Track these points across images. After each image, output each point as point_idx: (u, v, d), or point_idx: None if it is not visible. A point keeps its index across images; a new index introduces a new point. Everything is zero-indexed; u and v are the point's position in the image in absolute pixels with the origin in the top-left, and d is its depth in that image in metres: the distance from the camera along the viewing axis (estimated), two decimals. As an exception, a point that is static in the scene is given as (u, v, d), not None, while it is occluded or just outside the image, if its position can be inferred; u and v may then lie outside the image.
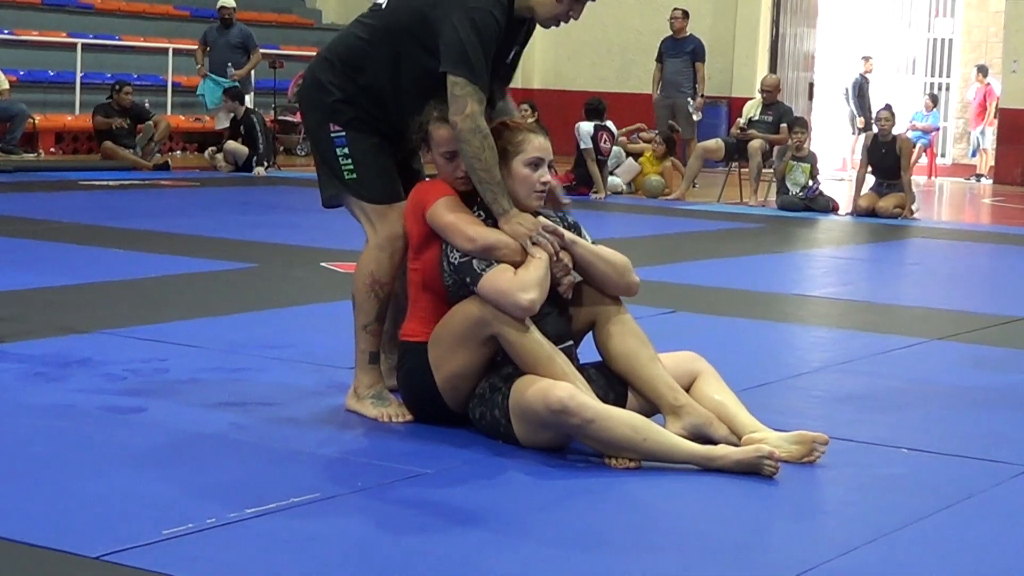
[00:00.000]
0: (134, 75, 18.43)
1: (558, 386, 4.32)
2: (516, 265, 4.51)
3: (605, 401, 4.45)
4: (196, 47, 17.69)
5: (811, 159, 14.57)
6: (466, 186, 4.67)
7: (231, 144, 16.38)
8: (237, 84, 16.95)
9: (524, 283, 4.44)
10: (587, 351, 4.78)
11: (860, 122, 21.17)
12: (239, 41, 17.38)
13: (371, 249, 4.89)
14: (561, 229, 4.61)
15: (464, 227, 4.55)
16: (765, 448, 4.28)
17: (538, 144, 4.65)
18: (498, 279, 4.46)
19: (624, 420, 4.31)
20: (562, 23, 4.87)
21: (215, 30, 17.45)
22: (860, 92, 21.62)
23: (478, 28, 4.65)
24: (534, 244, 4.53)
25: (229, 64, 17.15)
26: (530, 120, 4.87)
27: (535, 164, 4.62)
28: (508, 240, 4.54)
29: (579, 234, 4.74)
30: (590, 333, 4.74)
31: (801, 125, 14.78)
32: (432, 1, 4.74)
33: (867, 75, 21.75)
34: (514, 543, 3.63)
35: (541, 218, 4.63)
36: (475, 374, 4.56)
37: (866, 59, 22.14)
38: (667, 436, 4.35)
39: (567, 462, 4.37)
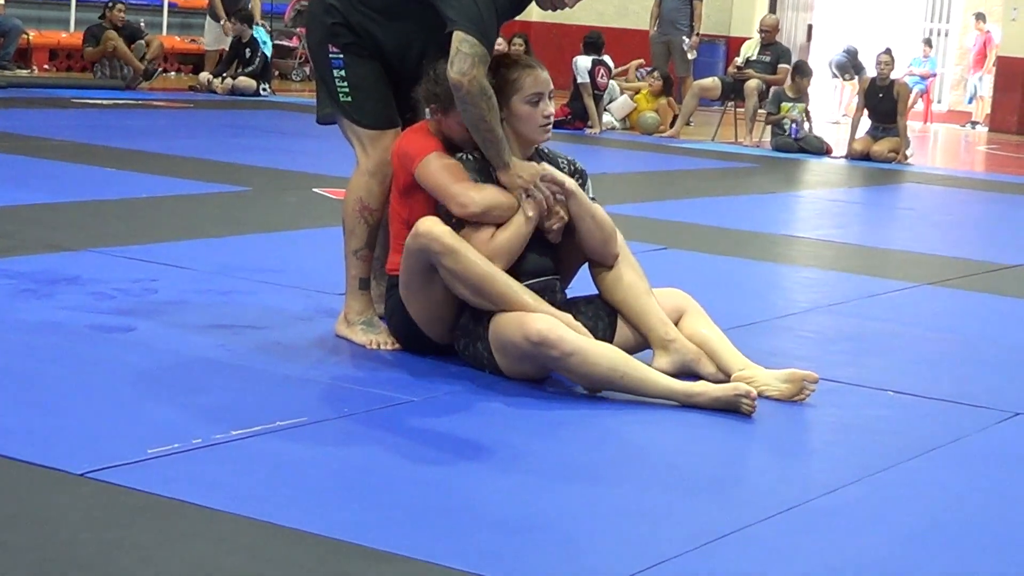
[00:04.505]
0: (130, -7, 18.26)
1: (538, 319, 4.30)
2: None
3: (593, 333, 4.45)
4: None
5: (805, 100, 14.51)
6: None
7: (243, 80, 16.28)
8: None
9: (493, 250, 4.45)
10: (581, 286, 4.78)
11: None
12: None
13: (361, 174, 4.87)
14: (562, 178, 4.58)
15: (455, 191, 4.50)
16: (743, 386, 4.27)
17: (536, 78, 4.59)
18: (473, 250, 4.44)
19: (603, 355, 4.29)
20: (556, 9, 4.93)
21: None
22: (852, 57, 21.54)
23: None
24: (528, 197, 4.51)
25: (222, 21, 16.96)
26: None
27: (535, 100, 4.58)
28: (499, 200, 4.51)
29: (583, 184, 4.71)
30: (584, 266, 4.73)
31: (806, 71, 14.64)
32: None
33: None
34: (496, 473, 3.64)
35: (544, 165, 4.59)
36: (441, 307, 4.54)
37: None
38: (646, 372, 4.33)
39: (550, 393, 4.38)
